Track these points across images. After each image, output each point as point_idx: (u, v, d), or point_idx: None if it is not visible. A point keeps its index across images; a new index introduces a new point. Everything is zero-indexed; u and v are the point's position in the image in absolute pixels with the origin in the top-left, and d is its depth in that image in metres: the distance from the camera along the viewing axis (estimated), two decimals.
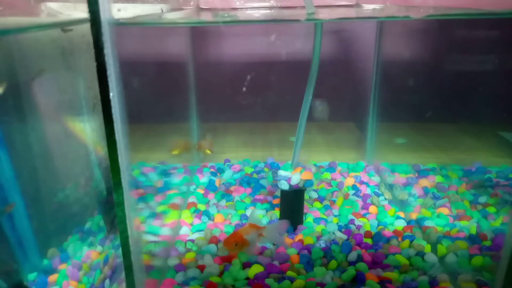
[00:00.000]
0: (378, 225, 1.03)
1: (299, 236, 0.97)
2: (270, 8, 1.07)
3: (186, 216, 1.08)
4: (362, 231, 0.98)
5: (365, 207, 1.12)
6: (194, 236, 0.99)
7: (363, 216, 1.07)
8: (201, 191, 1.23)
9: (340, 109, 1.50)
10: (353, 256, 0.88)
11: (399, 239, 0.96)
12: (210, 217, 1.08)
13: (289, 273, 0.83)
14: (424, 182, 1.15)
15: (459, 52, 1.18)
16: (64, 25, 0.84)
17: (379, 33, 1.29)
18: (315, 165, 1.38)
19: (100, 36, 0.52)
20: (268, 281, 0.80)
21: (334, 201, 1.15)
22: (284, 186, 0.98)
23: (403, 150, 1.29)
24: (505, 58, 1.09)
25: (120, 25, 0.62)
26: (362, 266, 0.86)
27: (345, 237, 0.96)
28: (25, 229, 0.85)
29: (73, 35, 0.85)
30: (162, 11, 0.96)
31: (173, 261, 0.89)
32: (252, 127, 1.56)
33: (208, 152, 1.23)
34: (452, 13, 0.85)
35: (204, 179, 1.31)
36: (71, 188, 0.96)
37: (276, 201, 1.13)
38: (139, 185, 0.75)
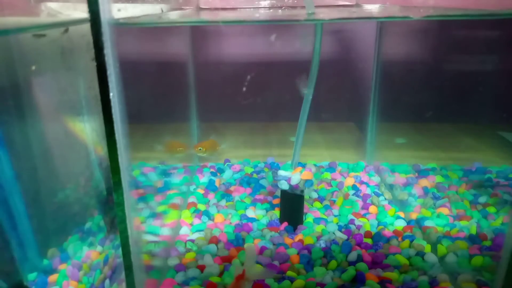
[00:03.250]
0: (378, 225, 1.03)
1: (299, 236, 0.97)
2: (270, 7, 1.07)
3: (186, 216, 1.08)
4: (362, 231, 0.98)
5: (365, 207, 1.12)
6: (194, 236, 0.99)
7: (363, 216, 1.07)
8: (201, 191, 1.23)
9: (340, 109, 1.50)
10: (353, 256, 0.88)
11: (399, 239, 0.96)
12: (210, 217, 1.08)
13: (289, 273, 0.83)
14: (424, 182, 1.15)
15: (459, 52, 1.18)
16: (64, 25, 0.84)
17: (379, 33, 1.29)
18: (315, 165, 1.38)
19: (100, 36, 0.52)
20: (268, 281, 0.80)
21: (334, 201, 1.15)
22: (284, 186, 0.98)
23: (403, 150, 1.29)
24: (505, 58, 1.09)
25: (120, 25, 0.62)
26: (362, 266, 0.86)
27: (345, 237, 0.96)
28: (25, 229, 0.85)
29: (73, 35, 0.85)
30: (162, 11, 0.96)
31: (173, 261, 0.89)
32: (252, 127, 1.56)
33: (202, 151, 1.16)
34: (452, 14, 0.85)
35: (204, 179, 1.31)
36: (71, 188, 0.96)
37: (276, 201, 1.13)
38: (139, 185, 0.75)
